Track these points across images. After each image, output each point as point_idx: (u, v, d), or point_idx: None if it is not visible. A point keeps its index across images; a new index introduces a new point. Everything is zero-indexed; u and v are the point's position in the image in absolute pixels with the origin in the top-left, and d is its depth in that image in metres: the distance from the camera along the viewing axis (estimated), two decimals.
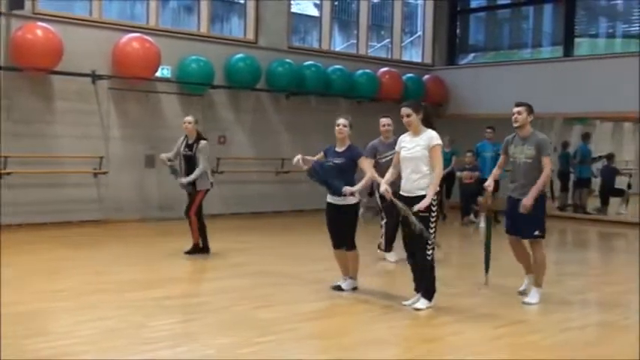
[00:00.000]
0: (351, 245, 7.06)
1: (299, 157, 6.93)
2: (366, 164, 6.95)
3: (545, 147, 6.83)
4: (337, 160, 6.89)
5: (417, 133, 6.48)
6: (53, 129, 11.85)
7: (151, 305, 6.47)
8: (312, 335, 5.79)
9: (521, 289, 7.25)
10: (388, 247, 8.91)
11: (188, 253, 9.01)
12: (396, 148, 6.66)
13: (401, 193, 6.48)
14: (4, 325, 5.49)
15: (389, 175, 6.67)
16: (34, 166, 11.52)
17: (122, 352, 5.06)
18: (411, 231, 6.34)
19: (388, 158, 8.18)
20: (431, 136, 6.42)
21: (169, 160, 9.08)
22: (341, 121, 6.96)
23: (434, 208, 6.34)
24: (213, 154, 13.25)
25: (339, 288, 7.18)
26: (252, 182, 14.23)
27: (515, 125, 6.93)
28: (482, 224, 13.41)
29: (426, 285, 6.54)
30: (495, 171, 7.40)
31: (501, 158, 7.30)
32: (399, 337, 5.82)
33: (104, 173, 12.24)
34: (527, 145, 6.85)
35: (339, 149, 6.98)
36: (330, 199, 6.97)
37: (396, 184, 6.62)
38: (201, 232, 9.06)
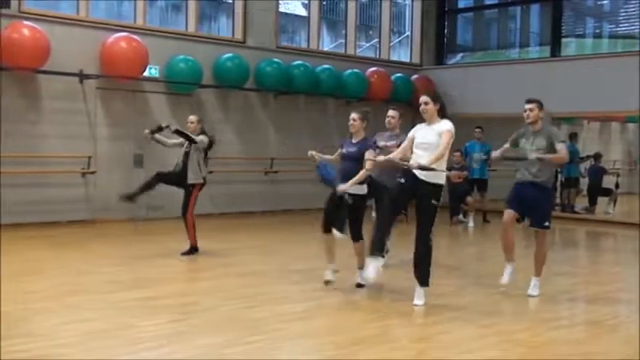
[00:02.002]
0: (356, 236, 7.14)
1: (313, 152, 7.34)
2: (367, 156, 7.00)
3: (558, 135, 7.07)
4: (351, 149, 7.13)
5: (432, 123, 6.59)
6: (40, 128, 11.75)
7: (137, 306, 6.40)
8: (302, 334, 5.74)
9: (504, 280, 7.26)
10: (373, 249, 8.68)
11: (185, 254, 8.92)
12: (409, 135, 6.74)
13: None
14: None
15: (395, 154, 6.71)
16: (21, 166, 11.41)
17: (107, 353, 4.98)
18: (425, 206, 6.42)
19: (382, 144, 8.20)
20: (444, 123, 6.54)
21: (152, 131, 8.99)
22: (352, 115, 7.24)
23: (440, 199, 6.49)
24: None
25: (328, 282, 7.21)
26: (240, 182, 14.17)
27: (527, 122, 7.14)
28: (472, 224, 13.44)
29: (421, 271, 6.56)
30: (498, 152, 7.49)
31: (506, 145, 7.43)
32: (389, 336, 5.78)
33: (92, 173, 12.15)
34: (540, 138, 7.05)
35: (354, 140, 7.23)
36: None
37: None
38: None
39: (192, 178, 8.89)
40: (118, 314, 6.02)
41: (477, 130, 13.96)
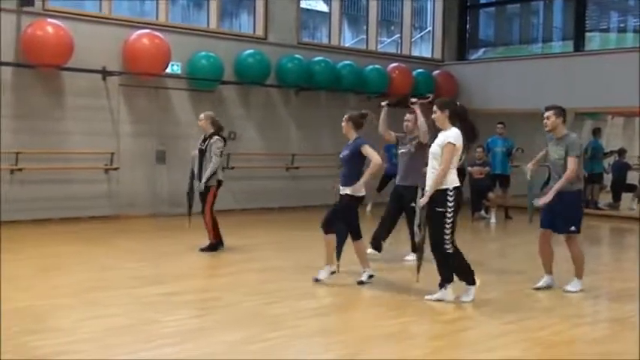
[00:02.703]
0: (355, 236, 7.27)
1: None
2: (369, 150, 7.01)
3: (573, 147, 6.95)
4: (344, 152, 7.18)
5: (444, 130, 6.53)
6: (64, 125, 11.87)
7: (159, 301, 6.45)
8: (321, 331, 5.75)
9: (539, 285, 7.27)
10: (374, 243, 8.74)
11: (203, 250, 8.97)
12: None
13: None
14: (9, 320, 5.49)
15: None
16: (45, 162, 11.54)
17: (130, 348, 5.03)
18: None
19: (401, 151, 8.47)
20: (447, 135, 6.43)
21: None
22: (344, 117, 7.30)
23: (450, 204, 6.33)
24: (224, 150, 13.27)
25: (316, 280, 7.26)
26: (262, 178, 14.20)
27: (545, 129, 7.13)
28: (494, 220, 13.36)
29: (444, 273, 6.57)
30: (531, 163, 7.54)
31: (541, 154, 7.50)
32: (407, 333, 5.77)
33: (115, 169, 12.25)
34: (560, 146, 7.02)
35: (348, 143, 7.27)
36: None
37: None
38: (214, 227, 9.03)
39: (208, 182, 8.89)
40: (140, 310, 6.07)
41: (499, 125, 13.87)
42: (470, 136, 6.53)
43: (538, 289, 7.22)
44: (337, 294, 6.98)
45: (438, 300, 6.54)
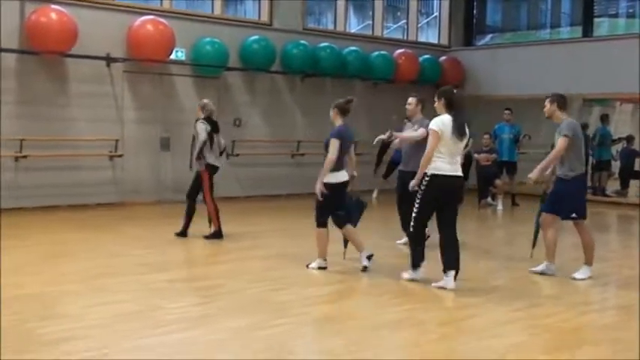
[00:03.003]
0: (340, 223, 7.37)
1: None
2: (330, 144, 7.15)
3: (562, 128, 7.03)
4: (325, 139, 7.35)
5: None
6: (68, 112, 11.87)
7: (166, 288, 6.47)
8: (327, 318, 5.76)
9: (534, 269, 7.32)
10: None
11: (207, 237, 8.98)
12: None
13: None
14: (17, 306, 5.52)
15: None
16: (49, 149, 11.55)
17: (135, 335, 5.05)
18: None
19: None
20: (429, 121, 6.68)
21: None
22: None
23: (422, 188, 6.57)
24: (229, 137, 13.26)
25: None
26: (267, 165, 14.20)
27: (546, 117, 7.28)
28: (500, 207, 13.33)
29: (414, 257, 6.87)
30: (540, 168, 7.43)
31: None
32: (414, 319, 5.77)
33: (119, 156, 12.26)
34: (556, 134, 7.13)
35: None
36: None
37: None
38: (214, 214, 9.04)
39: (196, 165, 8.95)
40: (147, 296, 6.09)
41: (507, 112, 13.82)
42: (455, 126, 6.52)
43: (533, 272, 7.29)
44: (343, 281, 6.99)
45: (441, 287, 6.56)
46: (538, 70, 15.34)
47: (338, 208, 7.28)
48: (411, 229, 6.74)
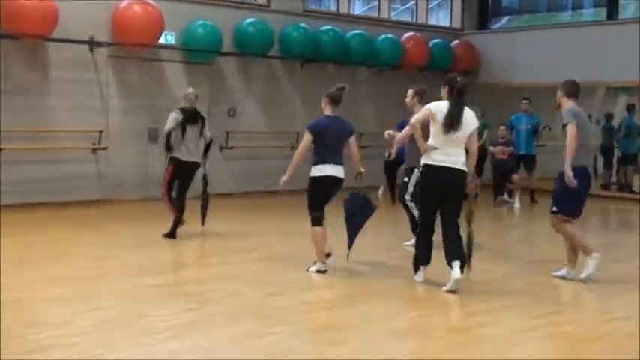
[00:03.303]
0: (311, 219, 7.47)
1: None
2: (304, 136, 7.50)
3: (564, 117, 7.08)
4: None
5: None
6: (49, 101, 11.84)
7: (152, 293, 6.46)
8: (327, 326, 5.74)
9: (555, 273, 7.35)
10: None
11: (166, 235, 8.93)
12: None
13: None
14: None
15: None
16: (28, 142, 11.53)
17: (120, 344, 5.02)
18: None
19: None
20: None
21: None
22: None
23: (418, 177, 7.12)
24: (222, 128, 13.25)
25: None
26: (264, 158, 14.15)
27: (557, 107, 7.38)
28: (518, 204, 13.29)
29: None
30: None
31: None
32: (424, 327, 5.75)
33: (104, 149, 12.23)
34: (562, 124, 7.15)
35: None
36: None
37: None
38: (177, 210, 9.02)
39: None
40: (134, 302, 6.08)
41: (524, 101, 13.78)
42: (447, 114, 6.62)
43: (555, 276, 7.31)
44: (346, 285, 6.98)
45: (451, 291, 6.56)
46: (558, 56, 15.28)
47: (313, 203, 7.36)
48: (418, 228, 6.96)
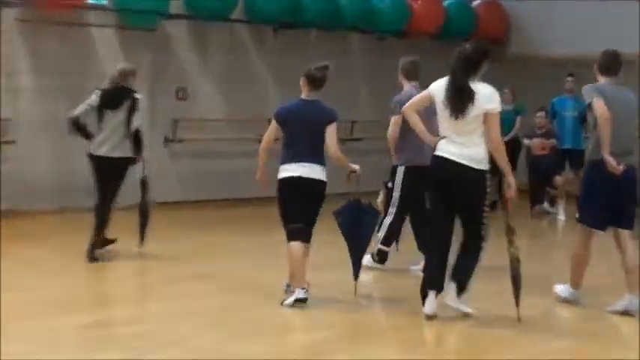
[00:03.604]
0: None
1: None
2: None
3: (584, 95, 7.41)
4: None
5: None
6: None
7: (73, 337, 6.44)
8: None
9: (613, 308, 7.44)
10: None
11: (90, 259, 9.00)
12: None
13: None
14: None
15: None
16: None
17: None
18: None
19: None
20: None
21: None
22: None
23: None
24: (169, 114, 13.22)
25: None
26: (224, 155, 14.16)
27: None
28: (562, 216, 13.28)
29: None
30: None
31: None
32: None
33: (9, 143, 12.17)
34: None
35: None
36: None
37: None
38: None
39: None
40: (52, 350, 5.99)
41: (569, 78, 13.77)
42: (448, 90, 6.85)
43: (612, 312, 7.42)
44: (332, 326, 6.99)
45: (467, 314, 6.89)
46: (607, 21, 15.30)
47: (284, 211, 7.51)
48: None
